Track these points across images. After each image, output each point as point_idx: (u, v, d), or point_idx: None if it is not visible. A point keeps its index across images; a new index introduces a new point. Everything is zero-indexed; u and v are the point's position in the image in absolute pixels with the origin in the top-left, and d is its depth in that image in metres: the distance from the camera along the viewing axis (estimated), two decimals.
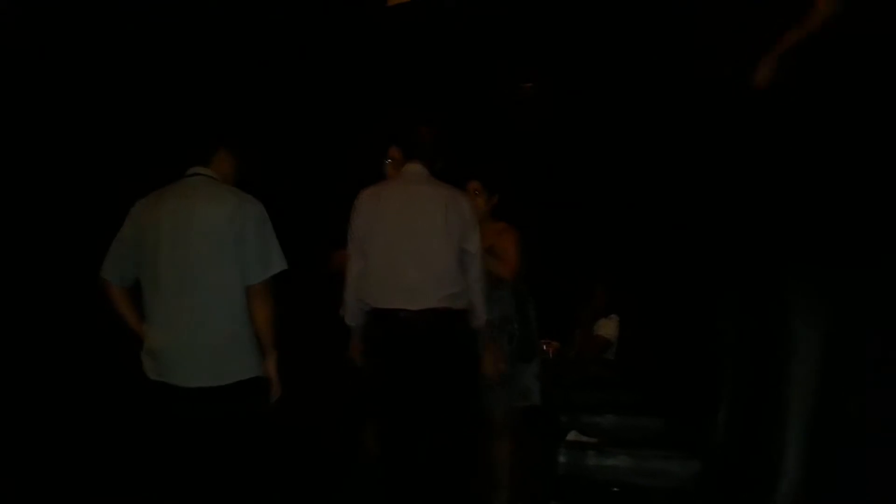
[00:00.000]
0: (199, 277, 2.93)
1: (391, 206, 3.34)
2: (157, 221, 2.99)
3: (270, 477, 3.05)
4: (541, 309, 4.13)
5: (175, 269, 2.94)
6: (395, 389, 3.30)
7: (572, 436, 3.39)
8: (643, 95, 5.28)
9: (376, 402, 3.40)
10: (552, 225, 5.46)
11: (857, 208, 3.12)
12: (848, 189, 3.17)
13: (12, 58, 4.72)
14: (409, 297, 3.24)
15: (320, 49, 5.56)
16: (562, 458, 3.23)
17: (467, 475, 3.51)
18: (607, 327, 5.43)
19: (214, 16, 5.10)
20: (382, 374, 3.32)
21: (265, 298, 2.99)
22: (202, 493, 2.98)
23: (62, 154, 5.13)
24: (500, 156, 5.52)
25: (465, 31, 5.58)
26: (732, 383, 3.34)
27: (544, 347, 5.07)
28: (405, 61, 5.62)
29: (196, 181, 3.08)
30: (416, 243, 3.29)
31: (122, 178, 5.23)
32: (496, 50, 5.76)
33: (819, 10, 3.06)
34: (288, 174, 5.16)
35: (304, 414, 3.46)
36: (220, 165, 3.14)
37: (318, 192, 4.86)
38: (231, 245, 2.93)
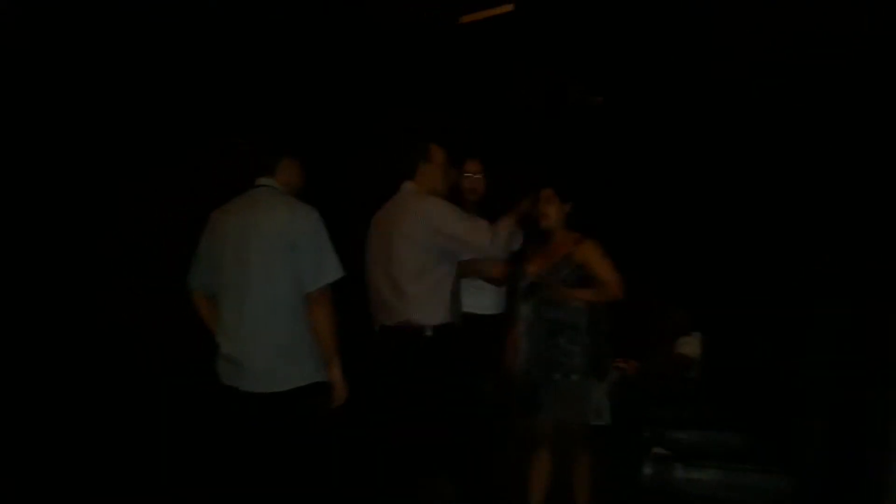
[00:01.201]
0: (255, 287, 2.99)
1: (377, 227, 3.52)
2: (223, 232, 3.10)
3: (329, 482, 3.05)
4: (618, 326, 4.02)
5: (235, 278, 3.02)
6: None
7: (657, 450, 3.33)
8: (718, 106, 5.20)
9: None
10: (630, 240, 5.37)
11: None
12: None
13: (12, 58, 4.77)
14: (387, 313, 3.40)
15: (389, 58, 5.59)
16: (647, 471, 3.16)
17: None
18: (689, 345, 5.30)
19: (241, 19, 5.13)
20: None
21: (324, 306, 3.02)
22: (262, 498, 2.98)
23: (62, 154, 5.17)
24: (575, 165, 5.47)
25: (537, 46, 5.58)
26: (829, 402, 3.23)
27: (622, 365, 4.98)
28: (479, 73, 5.63)
29: (259, 192, 3.15)
30: (386, 263, 3.41)
31: (121, 178, 5.35)
32: (568, 63, 5.75)
33: None
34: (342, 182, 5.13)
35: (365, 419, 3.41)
36: (284, 175, 3.20)
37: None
38: (286, 254, 2.98)
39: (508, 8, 5.58)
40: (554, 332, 3.65)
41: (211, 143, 5.37)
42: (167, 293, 5.28)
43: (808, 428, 3.21)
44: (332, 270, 3.03)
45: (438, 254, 3.36)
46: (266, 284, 2.99)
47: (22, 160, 5.00)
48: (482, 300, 3.85)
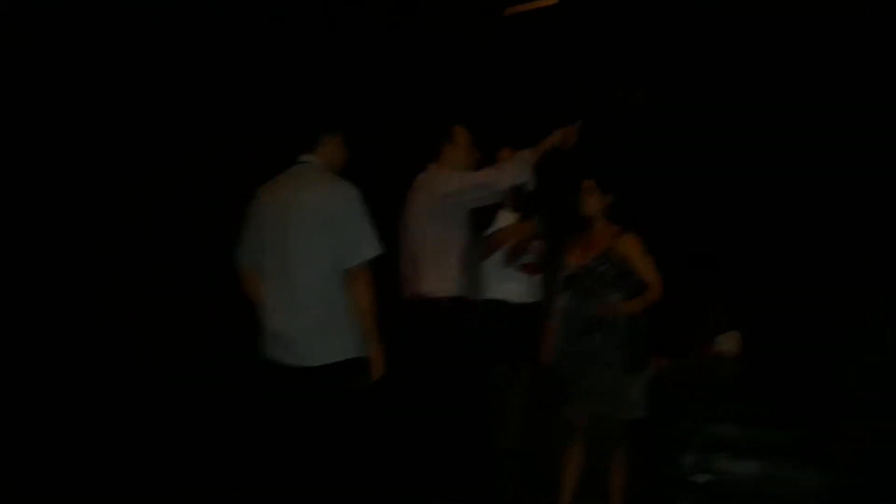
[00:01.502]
0: (293, 263, 3.01)
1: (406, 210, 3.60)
2: (265, 209, 3.12)
3: (368, 457, 3.05)
4: (656, 322, 3.98)
5: (275, 254, 3.05)
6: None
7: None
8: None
9: None
10: (668, 237, 5.32)
11: None
12: None
13: (12, 58, 4.80)
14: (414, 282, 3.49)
15: (430, 49, 5.59)
16: (688, 460, 3.14)
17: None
18: (728, 343, 5.25)
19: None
20: None
21: (363, 282, 3.02)
22: (299, 471, 3.01)
23: (62, 154, 5.19)
24: (617, 158, 5.43)
25: (579, 39, 5.55)
26: (875, 399, 3.17)
27: (656, 362, 4.92)
28: (521, 65, 5.61)
29: (300, 169, 3.17)
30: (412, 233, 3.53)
31: (121, 178, 5.34)
32: (611, 57, 5.71)
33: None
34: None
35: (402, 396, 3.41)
36: (325, 152, 3.21)
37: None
38: (323, 230, 2.99)
39: (552, 1, 5.56)
40: (591, 327, 3.61)
41: (212, 143, 5.41)
42: (167, 293, 5.43)
43: (851, 425, 3.16)
44: (370, 247, 3.02)
45: (444, 219, 3.44)
46: (305, 261, 3.00)
47: (22, 160, 5.04)
48: (516, 288, 3.82)
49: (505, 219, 3.88)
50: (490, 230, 3.83)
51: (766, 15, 4.90)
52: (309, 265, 3.00)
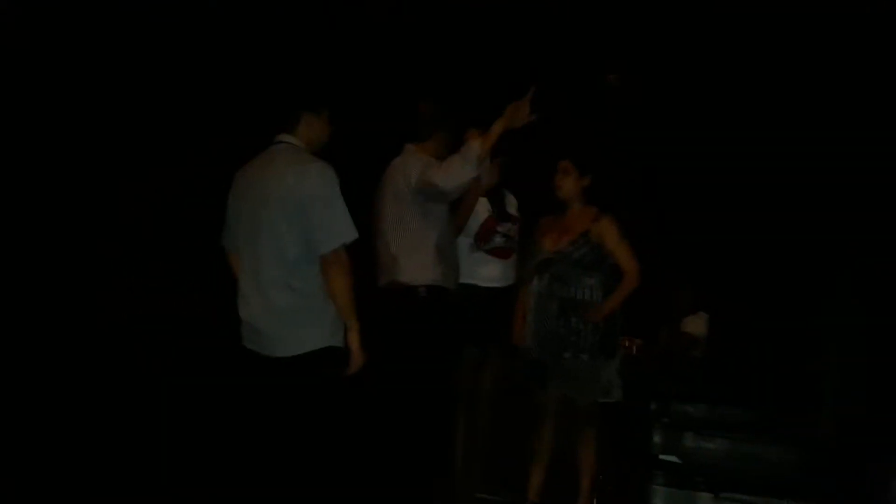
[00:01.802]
0: (266, 248, 2.86)
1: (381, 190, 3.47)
2: (241, 192, 2.98)
3: (344, 446, 3.02)
4: (626, 305, 4.00)
5: (249, 238, 2.91)
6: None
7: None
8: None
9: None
10: (639, 219, 5.38)
11: None
12: None
13: (12, 58, 4.76)
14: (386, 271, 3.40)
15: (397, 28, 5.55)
16: (657, 440, 3.18)
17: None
18: (695, 324, 5.34)
19: None
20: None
21: (338, 268, 2.84)
22: (275, 462, 2.98)
23: (62, 154, 5.17)
24: (594, 140, 5.44)
25: (554, 22, 5.55)
26: (844, 377, 3.25)
27: (626, 344, 4.99)
28: (497, 46, 5.60)
29: (277, 149, 2.99)
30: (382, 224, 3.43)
31: (121, 178, 5.33)
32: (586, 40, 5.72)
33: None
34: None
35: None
36: (305, 132, 3.02)
37: None
38: (295, 214, 2.82)
39: None
40: (566, 311, 3.56)
41: (212, 143, 5.33)
42: (167, 293, 5.33)
43: (819, 402, 3.25)
44: (343, 232, 2.83)
45: (416, 206, 3.32)
46: (277, 246, 2.84)
47: (22, 160, 4.98)
48: (489, 272, 3.77)
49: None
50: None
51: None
52: (281, 250, 2.84)
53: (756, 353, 4.69)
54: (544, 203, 3.69)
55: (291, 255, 2.84)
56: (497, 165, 3.67)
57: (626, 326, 4.31)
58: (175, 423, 4.32)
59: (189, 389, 4.52)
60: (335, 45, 5.51)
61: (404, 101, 3.78)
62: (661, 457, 3.19)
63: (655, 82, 6.16)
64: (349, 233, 2.84)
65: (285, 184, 2.83)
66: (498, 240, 3.79)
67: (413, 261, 3.34)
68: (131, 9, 4.96)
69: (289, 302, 2.87)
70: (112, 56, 5.14)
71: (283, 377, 2.87)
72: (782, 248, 5.25)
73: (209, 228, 3.28)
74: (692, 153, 5.99)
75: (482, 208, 3.78)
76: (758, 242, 5.42)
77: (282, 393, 2.90)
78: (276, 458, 2.89)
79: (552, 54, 5.73)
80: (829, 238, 4.59)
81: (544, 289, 3.62)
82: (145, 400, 4.62)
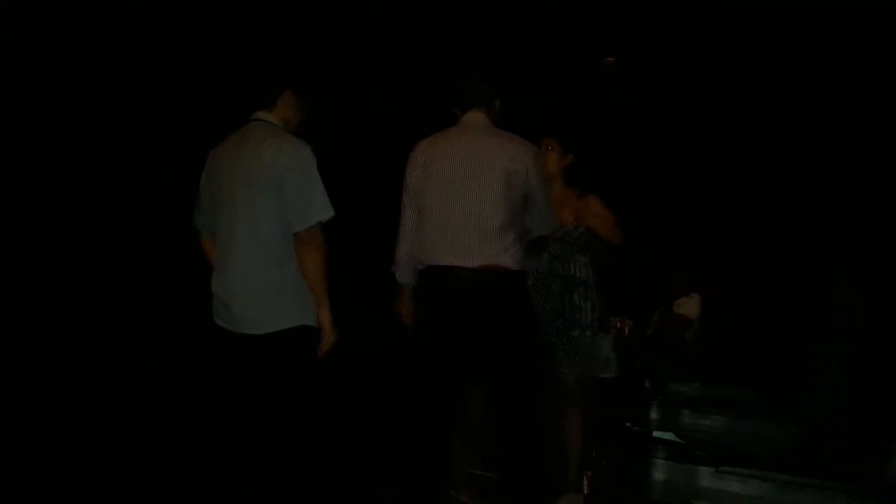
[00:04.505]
0: (241, 226, 2.89)
1: (448, 159, 3.16)
2: (215, 171, 2.99)
3: (318, 426, 2.96)
4: (620, 286, 4.00)
5: (225, 216, 2.93)
6: (448, 348, 3.14)
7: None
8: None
9: (429, 362, 3.26)
10: (633, 202, 5.36)
11: None
12: None
13: (12, 58, 4.80)
14: (464, 254, 3.09)
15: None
16: (654, 416, 3.13)
17: (525, 438, 3.47)
18: (688, 306, 5.31)
19: None
20: (436, 334, 3.18)
21: (312, 247, 2.87)
22: (249, 440, 2.92)
23: (62, 153, 5.23)
24: (580, 120, 5.42)
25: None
26: (840, 355, 3.19)
27: (618, 325, 4.95)
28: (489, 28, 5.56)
29: (253, 127, 3.00)
30: (471, 198, 3.11)
31: (121, 178, 5.43)
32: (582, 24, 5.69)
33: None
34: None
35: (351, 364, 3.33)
36: (283, 110, 3.04)
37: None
38: (272, 192, 2.84)
39: None
40: (568, 288, 3.60)
41: (211, 143, 5.35)
42: (167, 293, 5.31)
43: (815, 381, 3.20)
44: (319, 210, 2.86)
45: (520, 193, 3.18)
46: (251, 223, 2.87)
47: (22, 160, 5.04)
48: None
49: None
50: None
51: None
52: (255, 228, 2.86)
53: (750, 333, 4.65)
54: None
55: (269, 232, 2.87)
56: None
57: (619, 308, 4.28)
58: (174, 423, 4.31)
59: (187, 389, 4.50)
60: (324, 23, 5.47)
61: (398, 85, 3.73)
62: (656, 433, 3.15)
63: (651, 67, 6.15)
64: (325, 211, 2.87)
65: (261, 160, 2.85)
66: None
67: (516, 245, 3.17)
68: (131, 9, 5.02)
69: (263, 280, 2.89)
70: (112, 56, 5.20)
71: (255, 355, 2.90)
72: (778, 230, 5.26)
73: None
74: (687, 137, 5.99)
75: None
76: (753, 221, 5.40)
77: (253, 371, 2.91)
78: (246, 437, 2.92)
79: (549, 37, 5.70)
80: (824, 218, 4.59)
81: (544, 268, 3.62)
82: (145, 400, 4.62)
